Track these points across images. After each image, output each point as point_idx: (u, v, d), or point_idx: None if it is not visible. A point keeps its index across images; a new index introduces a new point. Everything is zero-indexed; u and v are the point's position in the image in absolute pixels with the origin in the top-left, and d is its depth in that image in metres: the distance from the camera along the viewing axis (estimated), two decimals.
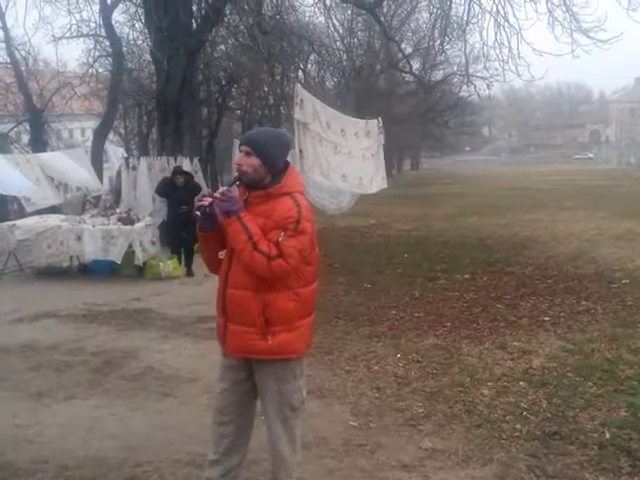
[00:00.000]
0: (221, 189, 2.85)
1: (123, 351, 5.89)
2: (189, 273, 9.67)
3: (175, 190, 9.71)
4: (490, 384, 4.80)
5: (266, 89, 23.19)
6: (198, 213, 2.87)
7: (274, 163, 2.91)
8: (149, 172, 11.42)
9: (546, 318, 6.72)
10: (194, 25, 13.00)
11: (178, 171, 10.13)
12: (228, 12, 14.52)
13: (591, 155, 77.63)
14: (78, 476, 3.57)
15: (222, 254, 2.99)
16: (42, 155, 12.99)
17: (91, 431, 4.19)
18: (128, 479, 3.53)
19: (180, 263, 9.76)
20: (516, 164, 64.81)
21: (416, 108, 36.57)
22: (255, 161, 2.86)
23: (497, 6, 12.80)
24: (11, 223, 9.95)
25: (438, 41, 22.18)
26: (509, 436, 3.90)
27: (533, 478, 3.45)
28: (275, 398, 2.99)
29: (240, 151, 2.92)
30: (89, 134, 27.21)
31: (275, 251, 2.77)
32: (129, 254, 9.31)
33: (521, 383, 4.81)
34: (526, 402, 4.42)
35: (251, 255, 2.77)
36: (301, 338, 2.98)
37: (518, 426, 4.03)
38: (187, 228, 8.55)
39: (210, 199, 2.83)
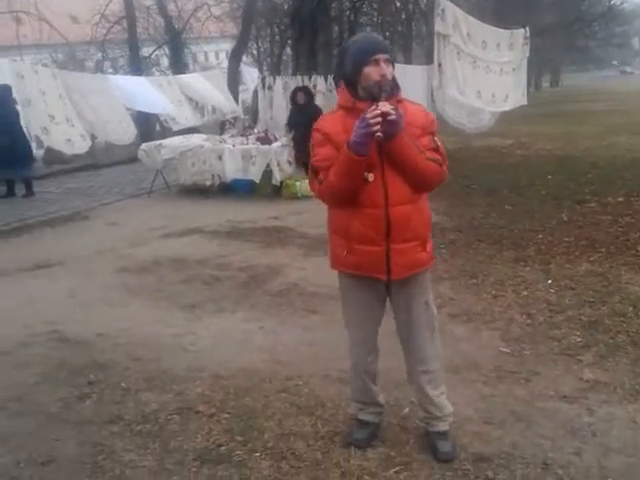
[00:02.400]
0: (387, 105, 2.50)
1: (267, 267, 6.02)
2: None
3: (299, 110, 9.68)
4: None
5: (398, 4, 22.25)
6: (380, 134, 2.47)
7: None
8: (284, 92, 11.40)
9: None
10: None
11: (299, 88, 10.22)
12: None
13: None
14: (232, 385, 3.68)
15: (372, 176, 2.64)
16: (182, 77, 13.29)
17: (242, 343, 4.33)
18: (280, 391, 3.59)
19: None
20: None
21: (560, 18, 33.62)
22: (391, 70, 2.66)
23: None
24: (157, 142, 10.30)
25: None
26: None
27: None
28: (422, 311, 2.87)
29: (376, 61, 2.59)
30: (222, 57, 27.61)
31: (439, 156, 2.68)
32: (267, 173, 9.43)
33: None
34: None
35: (426, 164, 2.64)
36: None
37: None
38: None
39: (379, 118, 2.46)
